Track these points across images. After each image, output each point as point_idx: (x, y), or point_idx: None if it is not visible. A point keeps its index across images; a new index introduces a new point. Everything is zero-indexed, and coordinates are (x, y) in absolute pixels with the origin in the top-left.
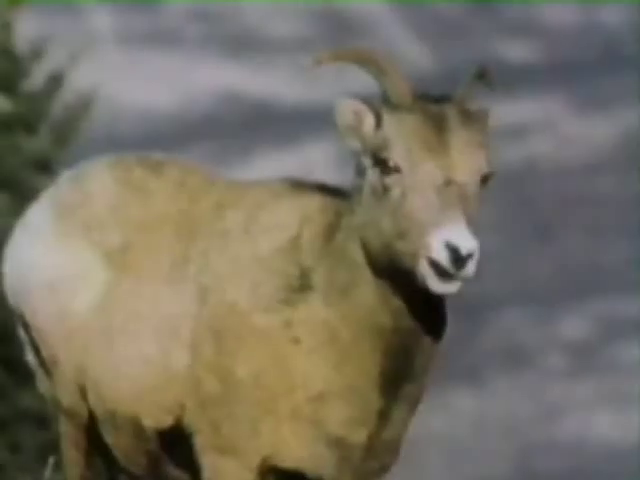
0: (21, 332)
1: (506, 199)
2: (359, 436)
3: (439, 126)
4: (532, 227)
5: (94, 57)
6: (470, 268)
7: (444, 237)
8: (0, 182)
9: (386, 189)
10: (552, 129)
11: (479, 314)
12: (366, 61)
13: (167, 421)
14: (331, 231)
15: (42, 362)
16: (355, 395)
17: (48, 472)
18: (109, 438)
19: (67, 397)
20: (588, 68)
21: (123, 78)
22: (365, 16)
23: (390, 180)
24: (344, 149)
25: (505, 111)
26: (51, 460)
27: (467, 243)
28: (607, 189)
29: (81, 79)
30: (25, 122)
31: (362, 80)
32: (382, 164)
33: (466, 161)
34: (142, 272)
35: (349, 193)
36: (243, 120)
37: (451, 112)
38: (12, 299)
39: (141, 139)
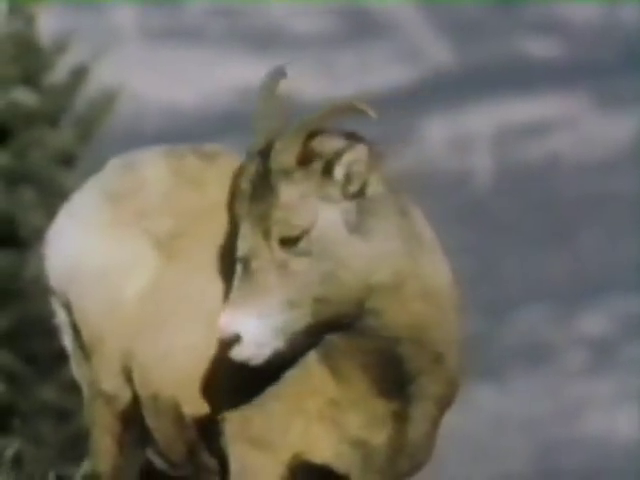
0: (61, 315)
1: (527, 197)
2: (379, 438)
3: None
4: (552, 225)
5: (117, 53)
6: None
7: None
8: (23, 176)
9: None
10: (573, 127)
11: (499, 312)
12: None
13: (205, 409)
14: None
15: (82, 346)
16: (361, 403)
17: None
18: (151, 422)
19: (109, 381)
20: (609, 66)
21: (146, 74)
22: (388, 14)
23: None
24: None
25: (526, 108)
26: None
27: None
28: (627, 187)
29: (104, 75)
30: (48, 116)
31: (384, 77)
32: None
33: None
34: (191, 260)
35: None
36: None
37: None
38: (55, 281)
39: (163, 135)
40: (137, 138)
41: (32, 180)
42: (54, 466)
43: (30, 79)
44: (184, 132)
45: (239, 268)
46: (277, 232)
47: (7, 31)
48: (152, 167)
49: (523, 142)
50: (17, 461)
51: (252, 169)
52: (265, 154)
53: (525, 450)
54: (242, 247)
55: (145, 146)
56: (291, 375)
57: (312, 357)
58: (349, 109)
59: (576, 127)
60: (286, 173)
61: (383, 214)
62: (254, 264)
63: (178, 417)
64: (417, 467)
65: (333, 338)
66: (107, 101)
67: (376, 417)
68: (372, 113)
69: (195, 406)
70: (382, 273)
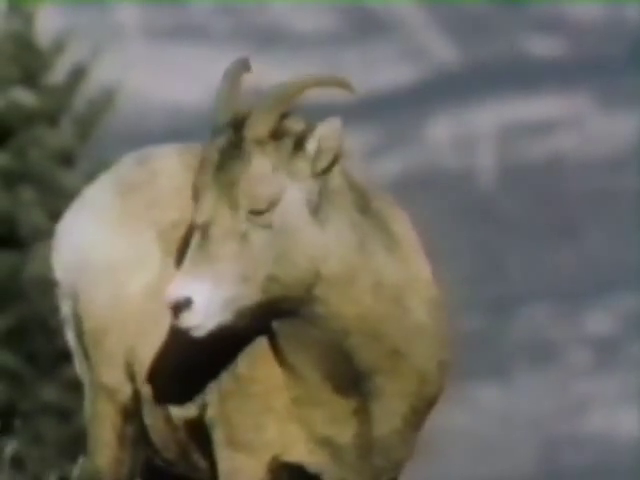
0: (65, 308)
1: (531, 195)
2: (345, 436)
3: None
4: (557, 223)
5: (120, 51)
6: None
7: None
8: (23, 176)
9: None
10: (577, 125)
11: (504, 310)
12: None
13: (191, 411)
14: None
15: (83, 339)
16: (319, 400)
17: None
18: (148, 420)
19: (110, 374)
20: (614, 65)
21: (149, 73)
22: (391, 12)
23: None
24: (369, 144)
25: (530, 107)
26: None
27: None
28: (632, 185)
29: (107, 73)
30: (48, 115)
31: (388, 76)
32: None
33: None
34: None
35: None
36: None
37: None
38: (62, 273)
39: (166, 133)
40: (140, 136)
41: (32, 179)
42: (55, 465)
43: (30, 79)
44: (187, 130)
45: (197, 235)
46: (245, 203)
47: (6, 31)
48: (165, 161)
49: (527, 141)
50: (18, 461)
51: (221, 141)
52: (237, 125)
53: (530, 447)
54: (203, 214)
55: (148, 144)
56: (258, 373)
57: (268, 354)
58: (326, 82)
59: (580, 126)
60: (259, 143)
61: (340, 206)
62: (215, 232)
63: (169, 417)
64: (397, 465)
65: (282, 327)
66: (106, 100)
67: (337, 415)
68: (350, 88)
69: (182, 407)
70: (332, 263)
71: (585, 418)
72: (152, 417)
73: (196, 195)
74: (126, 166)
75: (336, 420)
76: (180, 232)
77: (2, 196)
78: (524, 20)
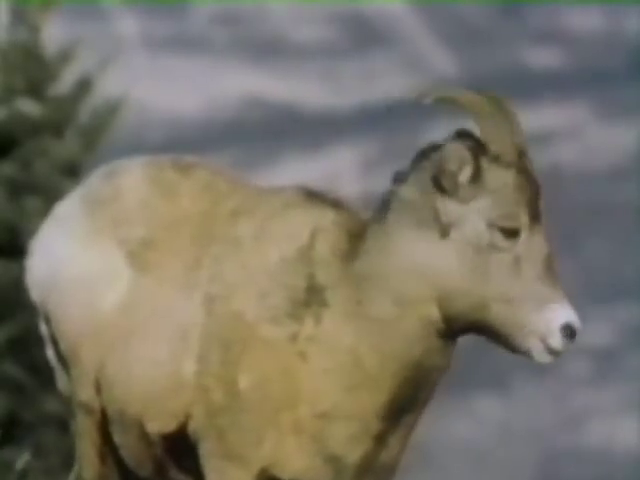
0: (42, 326)
1: None
2: (354, 456)
3: (537, 191)
4: (555, 234)
5: (121, 62)
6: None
7: (561, 321)
8: (28, 186)
9: (494, 248)
10: (577, 136)
11: None
12: (473, 109)
13: (171, 426)
14: (352, 251)
15: (60, 357)
16: (357, 419)
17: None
18: (117, 438)
19: (85, 392)
20: (613, 75)
21: (149, 83)
22: (391, 21)
23: (504, 243)
24: (367, 156)
25: (528, 118)
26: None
27: (578, 323)
28: (631, 196)
29: (108, 84)
30: (53, 126)
31: (387, 86)
32: (502, 226)
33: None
34: (162, 273)
35: (373, 216)
36: (269, 125)
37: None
38: (36, 292)
39: (167, 144)
40: (141, 147)
41: (37, 190)
42: (58, 476)
43: (35, 89)
44: (188, 140)
45: (554, 263)
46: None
47: (12, 41)
48: (130, 176)
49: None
50: (22, 472)
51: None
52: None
53: (530, 459)
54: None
55: (149, 155)
56: (267, 389)
57: (278, 369)
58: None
59: (579, 137)
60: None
61: None
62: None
63: (143, 434)
64: None
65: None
66: (112, 111)
67: (358, 434)
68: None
69: (159, 423)
70: None
71: (585, 429)
72: (122, 435)
73: (539, 219)
74: (94, 181)
75: (354, 439)
76: (154, 255)
77: (7, 206)
78: (522, 31)
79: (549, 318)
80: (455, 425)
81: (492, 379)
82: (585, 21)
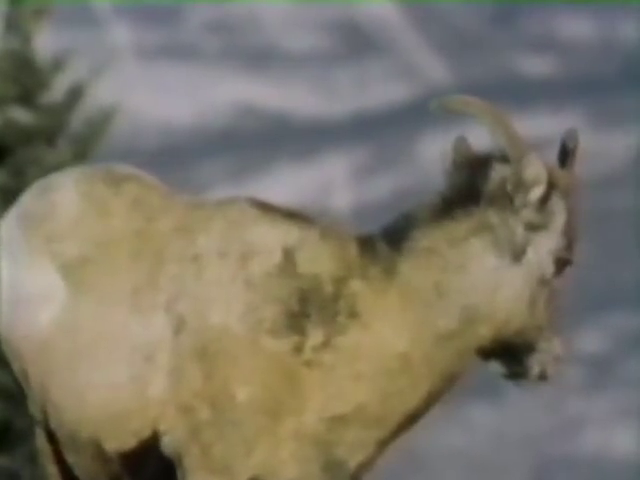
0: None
1: None
2: (355, 461)
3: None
4: None
5: (113, 71)
6: None
7: (559, 351)
8: (21, 194)
9: (550, 280)
10: None
11: None
12: (497, 124)
13: (130, 444)
14: (377, 262)
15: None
16: (378, 424)
17: None
18: (70, 458)
19: (38, 411)
20: (606, 83)
21: (141, 91)
22: (383, 29)
23: (553, 274)
24: (360, 163)
25: (523, 126)
26: None
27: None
28: (624, 204)
29: (100, 92)
30: (45, 135)
31: (381, 97)
32: (560, 257)
33: None
34: (103, 293)
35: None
36: (261, 133)
37: None
38: None
39: (159, 151)
40: (133, 156)
41: None
42: None
43: (27, 98)
44: (180, 149)
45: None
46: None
47: (4, 49)
48: (62, 191)
49: None
50: (16, 478)
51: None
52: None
53: (524, 467)
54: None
55: (141, 163)
56: (265, 399)
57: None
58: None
59: None
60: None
61: None
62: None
63: (99, 453)
64: None
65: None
66: (104, 119)
67: (366, 441)
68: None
69: (118, 441)
70: None
71: (579, 437)
72: (75, 455)
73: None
74: (29, 196)
75: (360, 445)
76: (89, 273)
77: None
78: (516, 39)
79: (554, 346)
80: (449, 433)
81: (486, 387)
82: (579, 29)
